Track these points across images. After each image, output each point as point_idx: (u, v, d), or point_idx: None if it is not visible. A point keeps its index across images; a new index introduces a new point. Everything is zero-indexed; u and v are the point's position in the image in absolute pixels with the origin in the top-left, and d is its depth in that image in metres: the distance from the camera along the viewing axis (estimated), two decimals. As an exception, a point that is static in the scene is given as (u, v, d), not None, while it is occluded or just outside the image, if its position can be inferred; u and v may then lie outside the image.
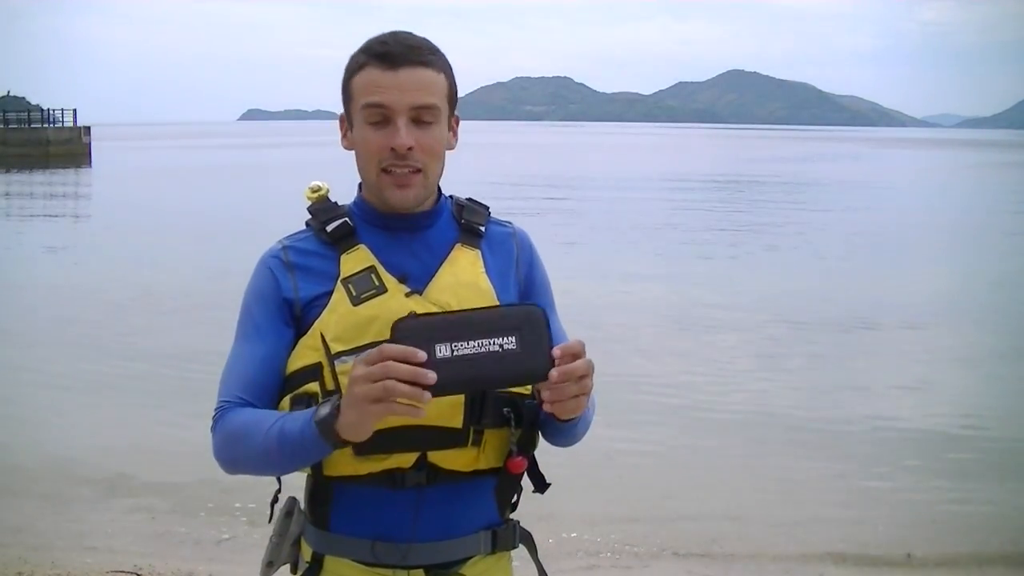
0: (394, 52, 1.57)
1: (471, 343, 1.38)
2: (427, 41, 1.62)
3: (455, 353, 1.37)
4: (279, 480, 1.69)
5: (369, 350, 1.38)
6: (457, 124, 1.71)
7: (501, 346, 1.39)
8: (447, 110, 1.63)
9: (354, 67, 1.61)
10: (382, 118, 1.57)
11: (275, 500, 1.74)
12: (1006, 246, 18.80)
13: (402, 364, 1.33)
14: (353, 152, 1.66)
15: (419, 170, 1.59)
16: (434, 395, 1.35)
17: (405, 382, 1.32)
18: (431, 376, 1.33)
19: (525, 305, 1.48)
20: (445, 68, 1.62)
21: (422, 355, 1.35)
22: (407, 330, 1.37)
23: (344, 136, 1.68)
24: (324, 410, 1.44)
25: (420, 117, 1.58)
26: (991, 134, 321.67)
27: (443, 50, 1.64)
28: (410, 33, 1.62)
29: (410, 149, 1.57)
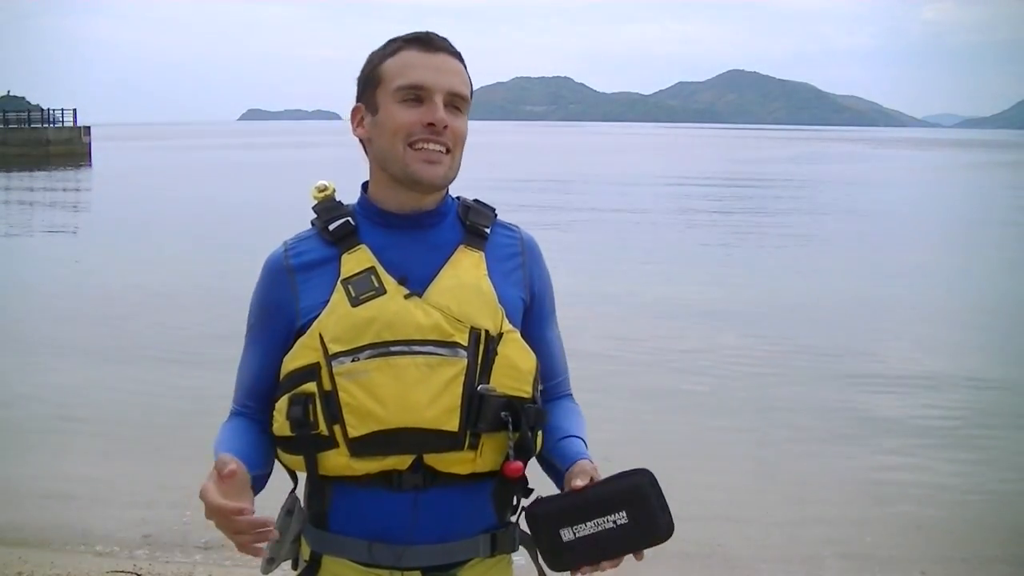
0: (433, 39, 1.61)
1: (588, 524, 1.52)
2: None
3: (577, 536, 1.52)
4: (295, 479, 1.69)
5: (222, 505, 1.39)
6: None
7: (615, 522, 1.51)
8: (469, 107, 1.67)
9: (387, 53, 1.62)
10: (416, 97, 1.58)
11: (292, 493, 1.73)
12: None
13: (238, 519, 1.38)
14: (363, 140, 1.66)
15: (449, 150, 1.61)
16: (566, 571, 1.56)
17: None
18: (261, 526, 1.41)
19: (631, 476, 1.54)
20: (467, 69, 1.68)
21: (241, 507, 1.39)
22: (534, 519, 1.56)
23: (359, 125, 1.66)
24: None
25: (453, 103, 1.60)
26: (991, 134, 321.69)
27: None
28: None
29: (446, 127, 1.58)
